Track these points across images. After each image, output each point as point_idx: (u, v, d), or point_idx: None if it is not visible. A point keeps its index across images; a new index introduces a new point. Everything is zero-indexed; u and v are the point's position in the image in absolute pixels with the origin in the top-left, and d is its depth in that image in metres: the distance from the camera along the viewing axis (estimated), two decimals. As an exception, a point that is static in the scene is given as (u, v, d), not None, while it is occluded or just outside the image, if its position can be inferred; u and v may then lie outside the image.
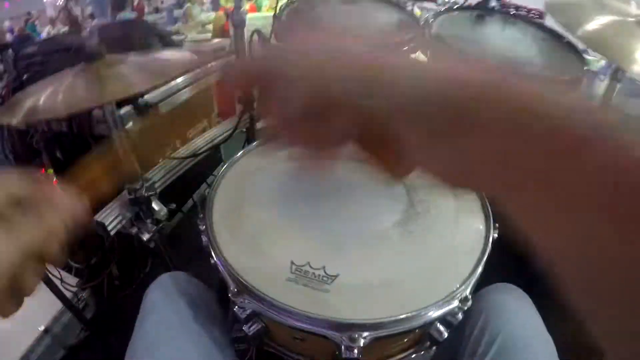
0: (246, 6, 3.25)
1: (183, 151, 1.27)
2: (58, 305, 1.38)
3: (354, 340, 0.54)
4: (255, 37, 1.20)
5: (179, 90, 1.33)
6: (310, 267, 0.61)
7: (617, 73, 1.24)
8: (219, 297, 0.77)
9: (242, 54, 1.31)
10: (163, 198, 1.09)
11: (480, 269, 0.63)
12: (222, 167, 0.84)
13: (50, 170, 1.67)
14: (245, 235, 0.67)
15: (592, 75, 2.24)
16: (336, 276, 0.60)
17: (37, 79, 1.03)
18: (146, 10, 5.50)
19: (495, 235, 0.69)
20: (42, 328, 1.36)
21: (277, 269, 0.61)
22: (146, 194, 1.03)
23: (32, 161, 2.00)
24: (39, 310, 1.40)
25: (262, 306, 0.58)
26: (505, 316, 0.69)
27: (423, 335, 0.64)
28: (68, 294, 1.36)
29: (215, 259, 0.64)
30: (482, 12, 1.28)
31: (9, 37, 4.99)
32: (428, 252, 0.66)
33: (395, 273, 0.62)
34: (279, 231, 0.68)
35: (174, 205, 1.12)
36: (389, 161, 0.30)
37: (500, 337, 0.64)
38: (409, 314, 0.56)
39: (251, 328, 0.62)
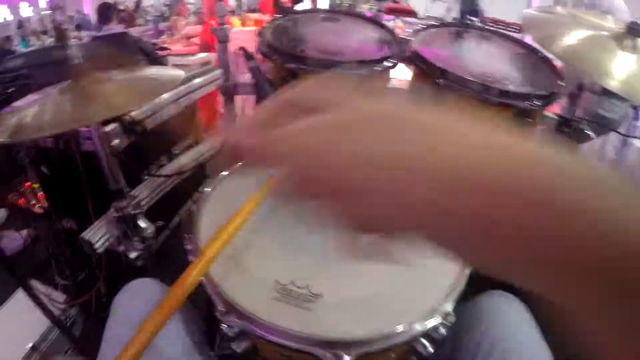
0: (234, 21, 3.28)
1: (169, 168, 1.27)
2: (46, 322, 1.37)
3: (339, 357, 0.56)
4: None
5: (165, 106, 1.34)
6: (295, 286, 0.63)
7: (592, 85, 1.29)
8: (205, 313, 0.78)
9: (227, 69, 1.33)
10: (149, 215, 1.10)
11: (462, 285, 0.65)
12: (208, 187, 0.85)
13: (36, 185, 1.67)
14: (231, 256, 0.68)
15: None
16: (320, 295, 0.62)
17: (23, 93, 1.03)
18: (137, 21, 5.51)
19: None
20: (29, 346, 1.34)
21: (262, 288, 0.63)
22: (133, 212, 1.04)
23: (17, 176, 1.99)
24: (27, 327, 1.39)
25: (249, 325, 0.59)
26: (502, 325, 0.69)
27: (409, 350, 0.65)
28: (56, 311, 1.35)
29: (202, 279, 0.65)
30: (459, 28, 1.32)
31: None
32: (409, 269, 0.68)
33: (377, 290, 0.64)
34: (263, 251, 0.70)
35: (161, 223, 1.13)
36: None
37: (498, 347, 0.65)
38: (392, 331, 0.58)
39: (240, 345, 0.63)
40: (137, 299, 0.73)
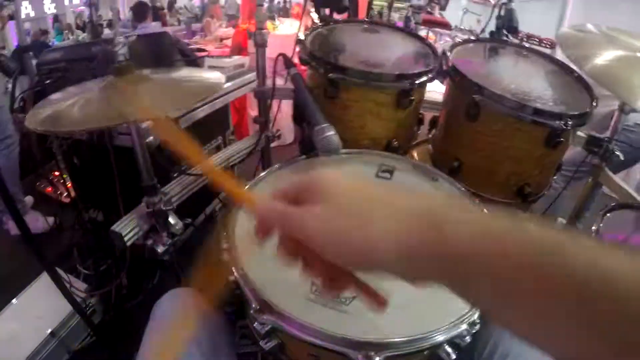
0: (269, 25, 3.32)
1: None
2: (66, 309, 1.39)
3: (369, 358, 0.57)
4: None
5: (198, 107, 1.36)
6: (330, 288, 0.63)
7: (624, 106, 1.26)
8: (229, 311, 0.79)
9: (263, 72, 1.35)
10: (177, 212, 1.12)
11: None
12: (247, 186, 0.87)
13: (65, 175, 1.70)
14: (267, 256, 0.69)
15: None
16: (353, 298, 0.63)
17: (59, 86, 1.05)
18: (170, 21, 5.59)
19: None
20: (48, 331, 1.37)
21: (298, 289, 0.64)
22: (164, 208, 1.06)
23: (47, 163, 2.04)
24: (47, 313, 1.41)
25: (283, 323, 0.60)
26: (511, 341, 0.70)
27: (432, 357, 0.66)
28: (77, 299, 1.38)
29: (237, 276, 0.66)
30: (495, 44, 1.32)
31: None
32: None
33: (408, 297, 0.64)
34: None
35: (189, 220, 1.14)
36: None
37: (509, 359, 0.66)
38: (420, 336, 0.60)
39: (267, 344, 0.64)
40: (177, 308, 0.75)
